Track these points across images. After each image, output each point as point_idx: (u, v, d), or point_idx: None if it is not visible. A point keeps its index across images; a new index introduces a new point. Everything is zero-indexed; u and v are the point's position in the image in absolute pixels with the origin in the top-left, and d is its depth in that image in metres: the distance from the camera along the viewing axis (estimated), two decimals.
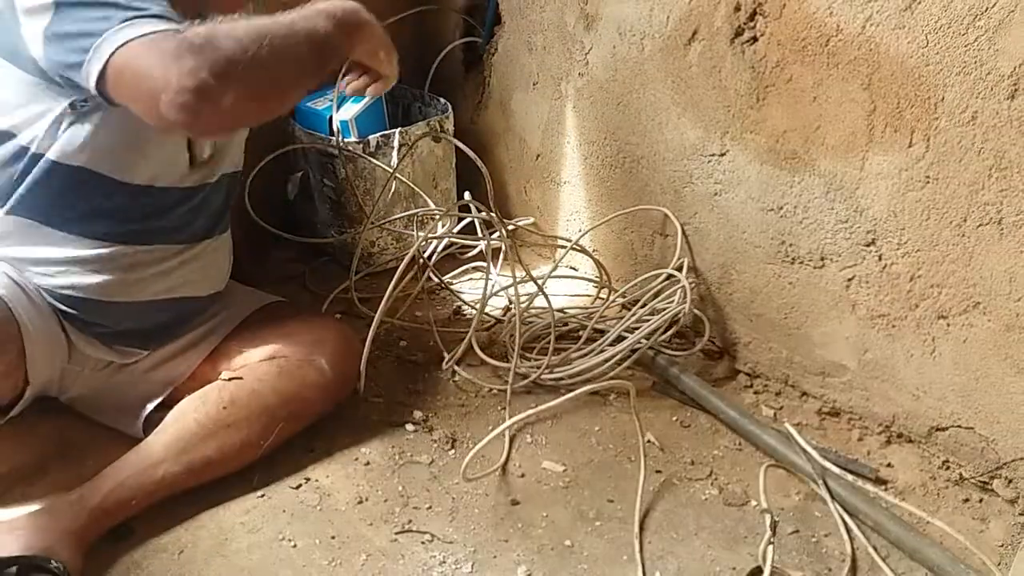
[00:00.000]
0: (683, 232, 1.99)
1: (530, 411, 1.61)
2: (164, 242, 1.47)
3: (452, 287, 2.22)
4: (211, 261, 1.60)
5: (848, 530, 1.51)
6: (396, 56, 1.49)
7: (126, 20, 1.08)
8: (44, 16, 1.13)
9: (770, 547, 1.41)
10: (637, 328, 1.93)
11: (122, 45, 1.06)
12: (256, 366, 1.55)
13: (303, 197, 2.36)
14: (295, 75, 1.20)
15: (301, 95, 1.31)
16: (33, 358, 1.38)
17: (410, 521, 1.51)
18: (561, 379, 1.87)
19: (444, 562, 1.43)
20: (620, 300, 2.10)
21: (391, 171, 2.16)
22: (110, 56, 1.07)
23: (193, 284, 1.56)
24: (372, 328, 1.89)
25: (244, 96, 1.08)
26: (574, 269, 2.32)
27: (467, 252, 2.34)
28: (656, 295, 2.00)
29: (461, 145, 2.08)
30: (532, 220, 2.40)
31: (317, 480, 1.58)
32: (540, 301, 1.97)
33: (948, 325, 1.57)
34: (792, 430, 1.71)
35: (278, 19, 1.17)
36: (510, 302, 2.12)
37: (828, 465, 1.63)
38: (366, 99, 1.57)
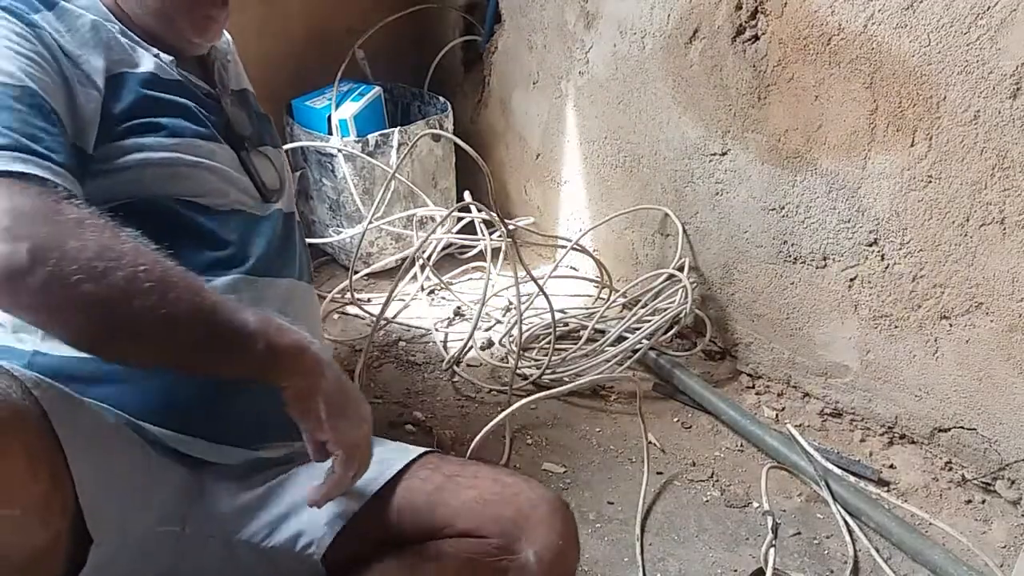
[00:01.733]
0: (684, 232, 1.98)
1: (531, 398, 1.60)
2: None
3: (452, 287, 2.21)
4: (306, 310, 1.18)
5: (850, 531, 1.51)
6: (368, 444, 0.98)
7: None
8: None
9: (772, 549, 1.41)
10: (638, 328, 1.93)
11: None
12: (431, 554, 0.99)
13: (302, 196, 2.35)
14: (153, 332, 0.81)
15: (152, 363, 0.88)
16: (94, 499, 0.83)
17: None
18: (561, 379, 1.86)
19: None
20: (621, 300, 2.09)
21: (390, 170, 2.15)
22: None
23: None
24: (372, 328, 1.89)
25: (58, 307, 0.77)
26: (574, 269, 2.31)
27: (467, 252, 2.33)
28: (657, 295, 1.99)
29: (461, 144, 2.07)
30: (532, 220, 2.40)
31: None
32: (540, 301, 1.96)
33: (950, 325, 1.57)
34: (794, 431, 1.70)
35: (180, 271, 0.84)
36: (510, 302, 2.11)
37: (830, 466, 1.62)
38: (326, 486, 0.97)
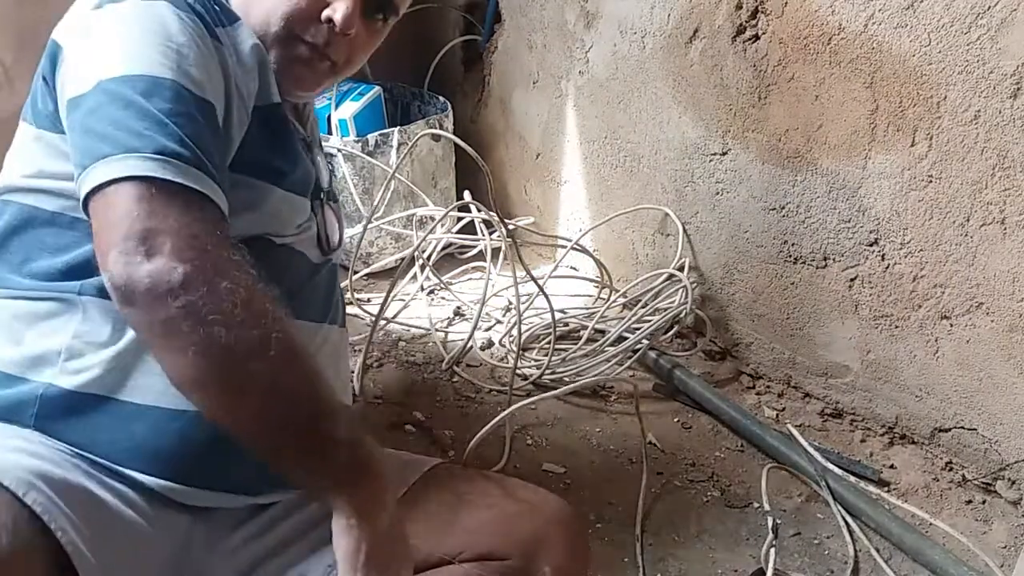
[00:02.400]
0: (684, 231, 1.98)
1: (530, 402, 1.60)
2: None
3: (452, 287, 2.21)
4: (336, 353, 1.11)
5: (850, 532, 1.51)
6: None
7: (129, 152, 0.77)
8: (78, 86, 0.83)
9: (772, 549, 1.41)
10: (638, 328, 1.92)
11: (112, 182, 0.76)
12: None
13: None
14: (256, 398, 0.77)
15: (232, 422, 0.79)
16: None
17: None
18: (562, 380, 1.86)
19: None
20: (621, 300, 2.09)
21: (390, 170, 2.15)
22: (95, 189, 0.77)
23: None
24: (371, 329, 1.88)
25: (181, 338, 0.74)
26: (575, 269, 2.31)
27: (467, 252, 2.33)
28: (657, 295, 1.99)
29: (461, 143, 2.07)
30: (532, 219, 2.39)
31: None
32: (540, 301, 1.96)
33: (951, 326, 1.56)
34: (794, 431, 1.70)
35: (305, 349, 0.81)
36: (510, 302, 2.11)
37: (830, 466, 1.62)
38: None
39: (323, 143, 1.28)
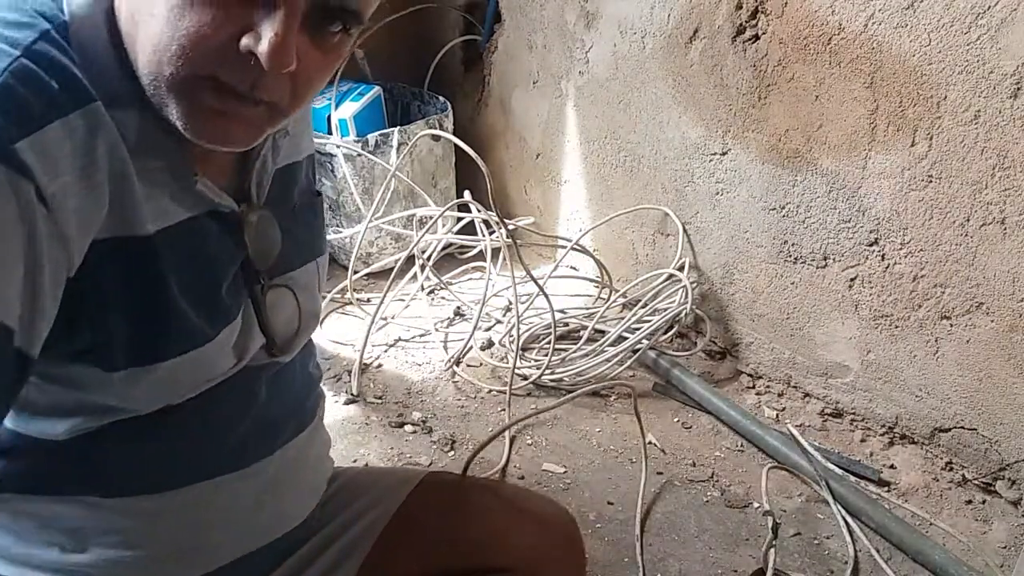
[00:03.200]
0: (684, 231, 1.98)
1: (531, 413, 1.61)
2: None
3: (452, 287, 2.21)
4: (306, 463, 0.93)
5: (850, 532, 1.50)
6: None
7: None
8: None
9: (772, 549, 1.40)
10: (638, 328, 1.92)
11: None
12: None
13: None
14: None
15: None
16: None
17: None
18: (562, 380, 1.86)
19: None
20: (621, 300, 2.09)
21: (390, 170, 2.15)
22: None
23: (279, 518, 0.89)
24: (369, 328, 1.89)
25: None
26: (574, 269, 2.31)
27: (467, 252, 2.33)
28: (657, 295, 1.99)
29: (461, 143, 2.07)
30: (532, 219, 2.39)
31: None
32: (540, 301, 1.96)
33: (951, 326, 1.56)
34: (794, 431, 1.70)
35: None
36: (510, 302, 2.11)
37: (830, 467, 1.62)
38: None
39: (302, 164, 0.88)
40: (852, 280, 1.68)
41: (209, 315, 0.72)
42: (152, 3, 0.58)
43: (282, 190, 0.82)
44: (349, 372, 1.87)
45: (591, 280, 2.22)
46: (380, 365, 1.94)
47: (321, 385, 0.97)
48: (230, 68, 0.59)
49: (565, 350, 1.93)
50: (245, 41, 0.58)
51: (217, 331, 0.73)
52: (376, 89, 2.30)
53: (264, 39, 0.58)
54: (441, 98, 2.37)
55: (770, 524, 1.46)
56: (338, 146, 2.14)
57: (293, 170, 0.85)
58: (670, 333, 1.96)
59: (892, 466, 1.68)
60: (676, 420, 1.80)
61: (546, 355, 1.87)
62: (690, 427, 1.79)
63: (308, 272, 0.86)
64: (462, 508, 0.98)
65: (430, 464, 1.63)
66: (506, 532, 0.96)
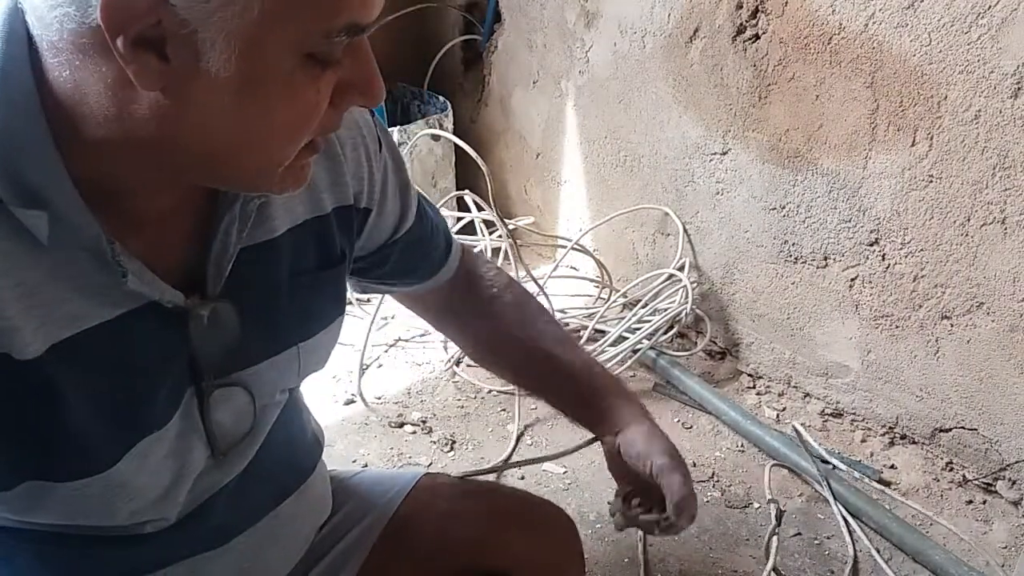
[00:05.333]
0: (685, 231, 1.98)
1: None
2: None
3: None
4: (291, 534, 0.86)
5: (851, 532, 1.50)
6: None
7: None
8: None
9: (775, 537, 1.40)
10: (638, 328, 1.92)
11: None
12: None
13: None
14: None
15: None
16: None
17: None
18: None
19: None
20: (621, 300, 2.09)
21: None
22: None
23: None
24: (369, 328, 1.88)
25: None
26: (575, 269, 2.30)
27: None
28: (657, 295, 1.99)
29: (461, 143, 2.06)
30: (532, 219, 2.39)
31: None
32: (541, 301, 1.96)
33: (952, 325, 1.56)
34: (799, 427, 1.70)
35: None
36: None
37: (831, 467, 1.62)
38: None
39: (283, 238, 0.71)
40: (852, 280, 1.68)
41: (121, 430, 0.61)
42: (207, 114, 0.51)
43: (263, 268, 0.69)
44: (349, 372, 1.87)
45: (591, 280, 2.21)
46: (380, 365, 1.94)
47: (317, 425, 0.92)
48: (327, 126, 0.58)
49: None
50: (350, 99, 0.57)
51: (127, 448, 0.61)
52: None
53: (373, 90, 0.58)
54: (441, 98, 2.37)
55: (773, 512, 1.46)
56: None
57: (289, 240, 0.70)
58: (670, 333, 1.96)
59: (892, 466, 1.68)
60: (676, 420, 1.80)
61: None
62: (690, 427, 1.79)
63: (278, 364, 0.72)
64: (459, 512, 0.96)
65: (430, 464, 1.63)
66: (504, 536, 0.95)
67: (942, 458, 1.67)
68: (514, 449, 1.68)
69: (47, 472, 0.59)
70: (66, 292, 0.56)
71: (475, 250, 1.11)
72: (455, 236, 0.97)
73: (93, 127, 0.52)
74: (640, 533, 1.47)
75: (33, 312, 0.54)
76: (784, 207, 1.75)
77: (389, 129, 2.16)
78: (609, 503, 0.93)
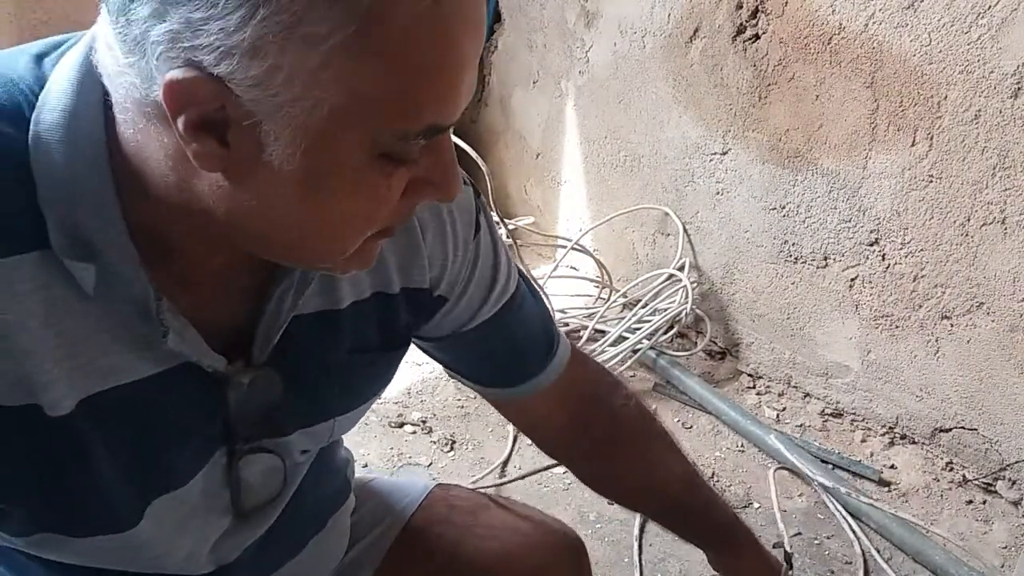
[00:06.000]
0: (685, 231, 1.98)
1: None
2: None
3: None
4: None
5: (851, 532, 1.50)
6: None
7: None
8: None
9: None
10: (638, 328, 1.92)
11: None
12: None
13: None
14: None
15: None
16: None
17: None
18: None
19: None
20: (621, 300, 2.09)
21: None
22: None
23: None
24: None
25: None
26: (575, 269, 2.30)
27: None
28: (657, 295, 1.99)
29: (461, 143, 2.06)
30: (532, 219, 2.39)
31: None
32: None
33: (951, 325, 1.56)
34: (794, 432, 1.70)
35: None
36: None
37: (831, 467, 1.62)
38: None
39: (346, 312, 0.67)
40: (852, 280, 1.68)
41: (143, 487, 0.59)
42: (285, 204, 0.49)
43: (320, 340, 0.65)
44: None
45: (591, 280, 2.21)
46: None
47: (349, 457, 0.89)
48: (397, 219, 0.55)
49: None
50: (424, 195, 0.54)
51: (147, 505, 0.59)
52: None
53: (451, 186, 0.55)
54: None
55: (783, 556, 1.46)
56: None
57: (350, 314, 0.66)
58: (670, 333, 1.96)
59: (893, 466, 1.68)
60: (676, 420, 1.80)
61: None
62: (690, 427, 1.79)
63: (311, 433, 0.69)
64: (470, 526, 0.95)
65: (429, 464, 1.63)
66: (514, 552, 0.93)
67: (942, 458, 1.67)
68: (513, 449, 1.68)
69: (66, 527, 0.58)
70: (107, 344, 0.53)
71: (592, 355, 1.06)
72: (564, 337, 0.84)
73: (157, 188, 0.50)
74: (636, 531, 1.48)
75: (71, 363, 0.52)
76: (784, 207, 1.75)
77: None
78: None
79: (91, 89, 0.49)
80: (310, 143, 0.46)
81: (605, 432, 0.89)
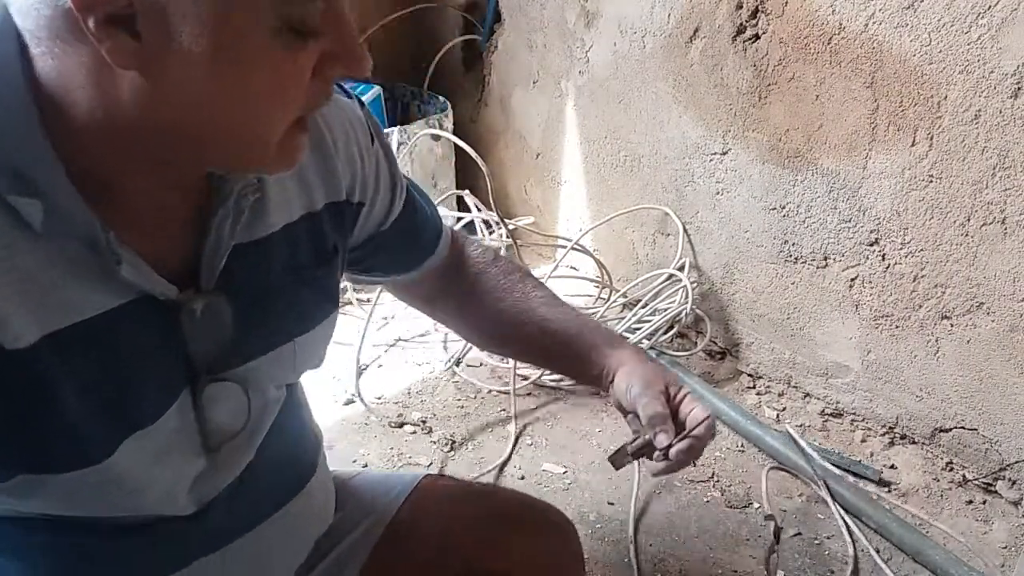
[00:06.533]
0: (685, 231, 1.98)
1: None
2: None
3: None
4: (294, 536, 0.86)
5: (850, 532, 1.50)
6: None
7: None
8: None
9: (774, 555, 1.40)
10: (638, 328, 1.92)
11: None
12: None
13: None
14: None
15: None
16: None
17: None
18: (562, 380, 1.86)
19: None
20: (621, 300, 2.09)
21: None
22: None
23: None
24: (367, 327, 1.88)
25: None
26: (575, 269, 2.30)
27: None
28: (657, 295, 1.99)
29: (461, 143, 2.06)
30: (532, 219, 2.39)
31: None
32: None
33: (951, 326, 1.56)
34: (793, 432, 1.70)
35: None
36: None
37: (830, 467, 1.62)
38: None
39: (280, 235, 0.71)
40: (852, 280, 1.68)
41: (114, 422, 0.61)
42: (218, 94, 0.52)
43: (259, 265, 0.69)
44: (349, 372, 1.87)
45: (591, 280, 2.21)
46: (380, 365, 1.94)
47: (316, 426, 0.91)
48: (313, 101, 0.58)
49: None
50: (334, 71, 0.57)
51: (121, 441, 0.61)
52: (376, 89, 2.29)
53: (360, 62, 0.56)
54: (441, 98, 2.37)
55: (772, 529, 1.46)
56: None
57: (283, 237, 0.70)
58: (670, 333, 1.96)
59: (892, 466, 1.68)
60: None
61: None
62: None
63: (273, 360, 0.72)
64: (459, 514, 0.96)
65: (429, 464, 1.63)
66: (505, 538, 0.94)
67: (942, 458, 1.67)
68: (513, 449, 1.68)
69: (42, 465, 0.59)
70: (60, 279, 0.56)
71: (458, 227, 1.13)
72: (444, 221, 0.97)
73: (81, 116, 0.52)
74: (632, 532, 1.47)
75: (27, 299, 0.54)
76: (784, 207, 1.75)
77: (389, 129, 2.17)
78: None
79: (4, 38, 0.52)
80: (213, 20, 0.49)
81: (469, 272, 0.99)
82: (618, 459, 0.87)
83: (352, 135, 0.77)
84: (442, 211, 2.20)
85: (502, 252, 2.13)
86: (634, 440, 0.85)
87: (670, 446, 0.84)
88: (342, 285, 0.87)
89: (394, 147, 2.18)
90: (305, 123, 0.60)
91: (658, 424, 0.84)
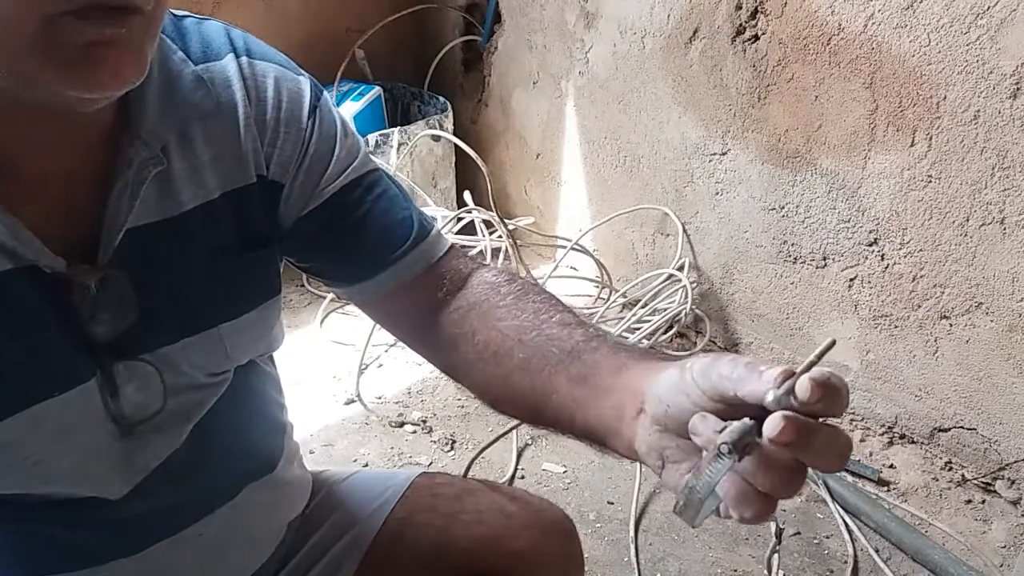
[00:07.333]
0: (684, 231, 1.98)
1: None
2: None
3: None
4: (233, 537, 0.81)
5: (850, 532, 1.51)
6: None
7: None
8: None
9: (776, 555, 1.41)
10: (638, 328, 1.92)
11: None
12: None
13: None
14: None
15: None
16: None
17: None
18: None
19: None
20: (621, 300, 2.09)
21: (390, 170, 2.14)
22: None
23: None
24: (370, 328, 1.88)
25: None
26: (574, 269, 2.31)
27: (467, 252, 2.33)
28: (657, 295, 1.99)
29: (461, 143, 2.07)
30: (532, 220, 2.39)
31: None
32: None
33: (950, 325, 1.56)
34: None
35: None
36: None
37: None
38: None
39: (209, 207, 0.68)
40: (852, 280, 1.69)
41: (7, 390, 0.60)
42: None
43: (171, 245, 0.65)
44: (349, 372, 1.88)
45: (591, 280, 2.22)
46: (381, 365, 1.95)
47: (288, 420, 0.88)
48: None
49: None
50: None
51: (17, 409, 0.61)
52: (376, 89, 2.30)
53: None
54: (441, 98, 2.37)
55: (773, 529, 1.46)
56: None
57: (201, 216, 0.66)
58: (670, 333, 1.96)
59: (892, 466, 1.68)
60: None
61: None
62: None
63: (194, 345, 0.68)
64: (456, 512, 0.94)
65: (430, 464, 1.64)
66: (503, 535, 0.93)
67: (941, 458, 1.67)
68: (513, 448, 1.68)
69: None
70: None
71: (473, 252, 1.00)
72: (439, 232, 0.82)
73: None
74: (632, 532, 1.48)
75: None
76: (783, 207, 1.75)
77: (389, 129, 2.17)
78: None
79: None
80: None
81: (484, 311, 0.79)
82: (691, 500, 0.50)
83: (283, 105, 0.71)
84: (442, 211, 2.21)
85: (513, 265, 2.14)
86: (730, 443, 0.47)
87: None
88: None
89: (394, 147, 2.19)
90: (84, 13, 0.49)
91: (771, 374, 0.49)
